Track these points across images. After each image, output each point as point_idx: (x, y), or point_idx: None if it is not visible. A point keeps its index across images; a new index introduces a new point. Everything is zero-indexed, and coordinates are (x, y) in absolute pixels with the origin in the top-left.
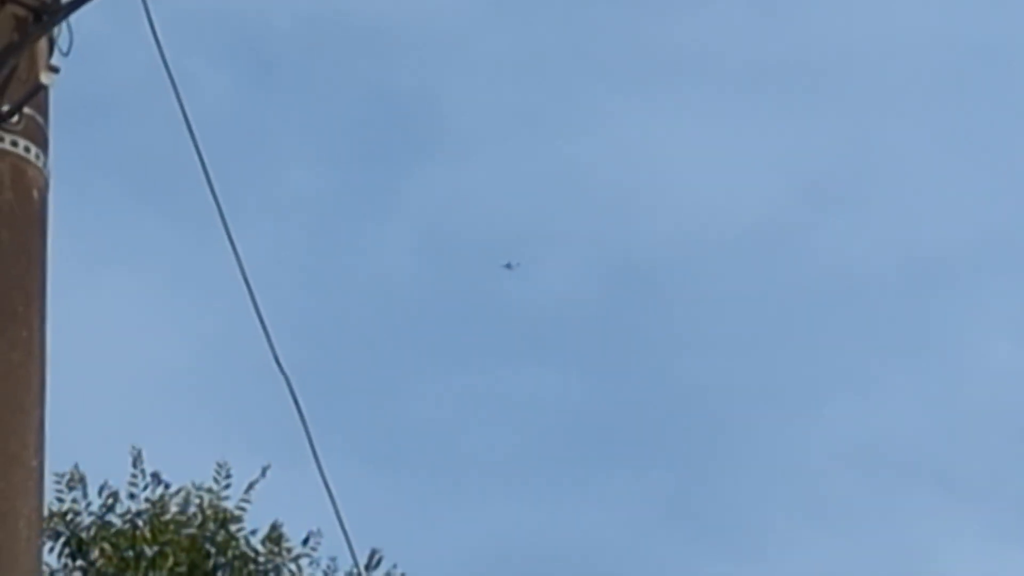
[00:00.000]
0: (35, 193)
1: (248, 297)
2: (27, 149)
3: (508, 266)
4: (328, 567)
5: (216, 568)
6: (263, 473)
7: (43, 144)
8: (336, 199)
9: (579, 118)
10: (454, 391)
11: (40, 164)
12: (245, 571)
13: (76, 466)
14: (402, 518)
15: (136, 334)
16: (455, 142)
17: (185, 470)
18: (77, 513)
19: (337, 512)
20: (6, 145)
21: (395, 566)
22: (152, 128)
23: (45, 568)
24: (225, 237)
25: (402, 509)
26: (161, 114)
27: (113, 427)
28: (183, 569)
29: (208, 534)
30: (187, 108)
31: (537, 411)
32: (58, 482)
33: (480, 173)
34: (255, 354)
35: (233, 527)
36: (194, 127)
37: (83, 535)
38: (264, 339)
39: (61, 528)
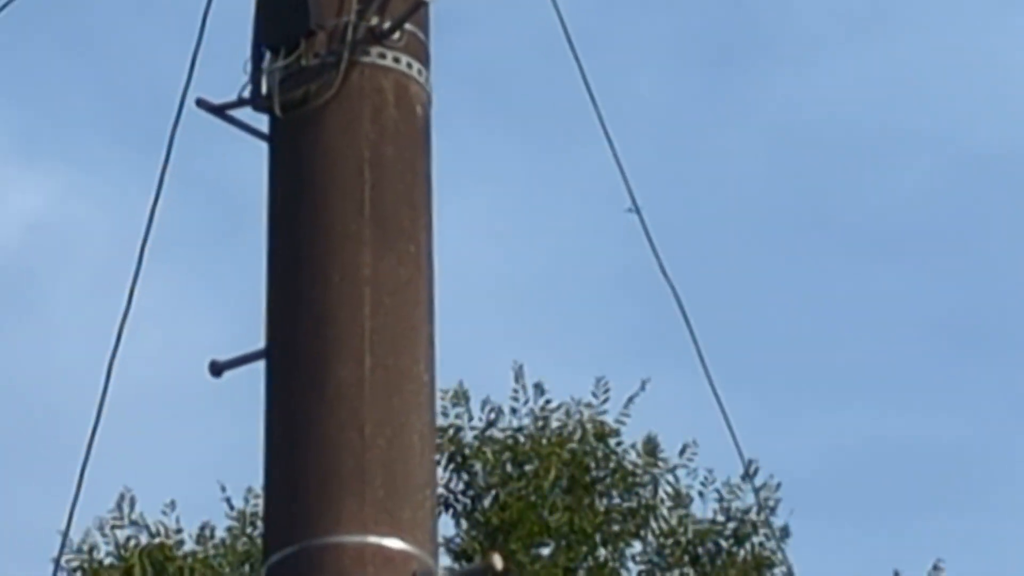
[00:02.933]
0: (418, 109)
1: (631, 208)
2: (409, 65)
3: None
4: (705, 478)
5: (595, 482)
6: (642, 387)
7: (425, 60)
8: (685, 104)
9: (925, 15)
10: (812, 296)
11: (422, 80)
12: (623, 484)
13: (460, 383)
14: (770, 428)
15: (514, 247)
16: (802, 44)
17: (565, 384)
18: (460, 429)
19: (727, 419)
20: (388, 62)
21: (771, 476)
22: (508, 43)
23: None
24: (601, 150)
25: (769, 419)
26: (519, 28)
27: (494, 343)
28: (564, 483)
29: (588, 448)
30: (555, 20)
31: (898, 313)
32: (442, 398)
33: (826, 74)
34: (621, 264)
35: (612, 441)
36: (558, 39)
37: (466, 450)
38: (640, 248)
39: (445, 443)
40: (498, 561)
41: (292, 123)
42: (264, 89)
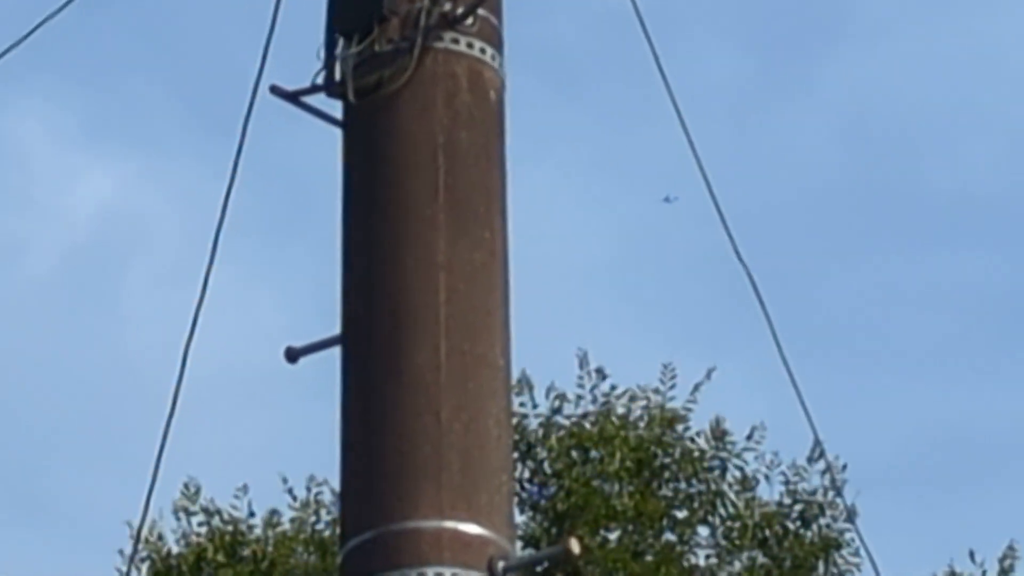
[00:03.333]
0: (492, 94)
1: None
2: (483, 51)
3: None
4: (771, 461)
5: (662, 467)
6: (708, 375)
7: (498, 45)
8: (753, 86)
9: None
10: (880, 278)
11: (496, 65)
12: (690, 469)
13: (523, 370)
14: (838, 409)
15: (579, 231)
16: (868, 24)
17: (630, 370)
18: (525, 416)
19: (802, 400)
20: (462, 47)
21: (836, 457)
22: (580, 25)
23: None
24: (671, 132)
25: (836, 400)
26: (590, 11)
27: (557, 329)
28: (629, 467)
29: (654, 435)
30: (626, 1)
31: (965, 296)
32: None
33: (894, 55)
34: (686, 248)
35: (678, 427)
36: (629, 21)
37: (531, 437)
38: (706, 232)
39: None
40: (575, 545)
41: (366, 109)
42: (338, 75)
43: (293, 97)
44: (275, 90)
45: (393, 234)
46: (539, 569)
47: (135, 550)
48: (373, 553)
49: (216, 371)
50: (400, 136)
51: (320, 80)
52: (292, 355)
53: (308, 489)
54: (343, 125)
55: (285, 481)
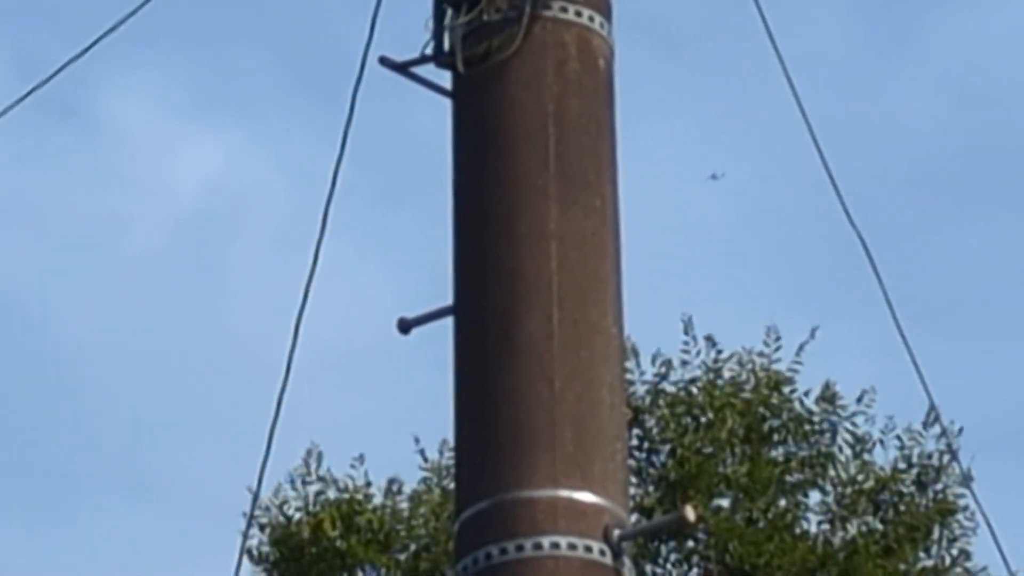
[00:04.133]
0: (601, 62)
1: (813, 156)
2: (591, 19)
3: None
4: (885, 425)
5: (772, 431)
6: (812, 334)
7: (606, 13)
8: (862, 49)
9: None
10: (992, 240)
11: (604, 33)
12: (800, 432)
13: (628, 337)
14: (951, 373)
15: (684, 197)
16: None
17: (735, 334)
18: (631, 383)
19: (915, 363)
20: (570, 15)
21: (952, 422)
22: None
23: None
24: (781, 98)
25: (949, 363)
26: None
27: (662, 295)
28: (739, 433)
29: (762, 398)
30: None
31: None
32: None
33: (1002, 14)
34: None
35: (786, 389)
36: None
37: (638, 404)
38: (812, 195)
39: None
40: (690, 513)
41: (475, 79)
42: (447, 46)
43: (402, 68)
44: (384, 61)
45: (504, 204)
46: (649, 537)
47: (251, 514)
48: (488, 523)
49: (327, 342)
50: (510, 106)
51: (429, 51)
52: (404, 326)
53: (441, 453)
54: (452, 95)
55: (417, 442)
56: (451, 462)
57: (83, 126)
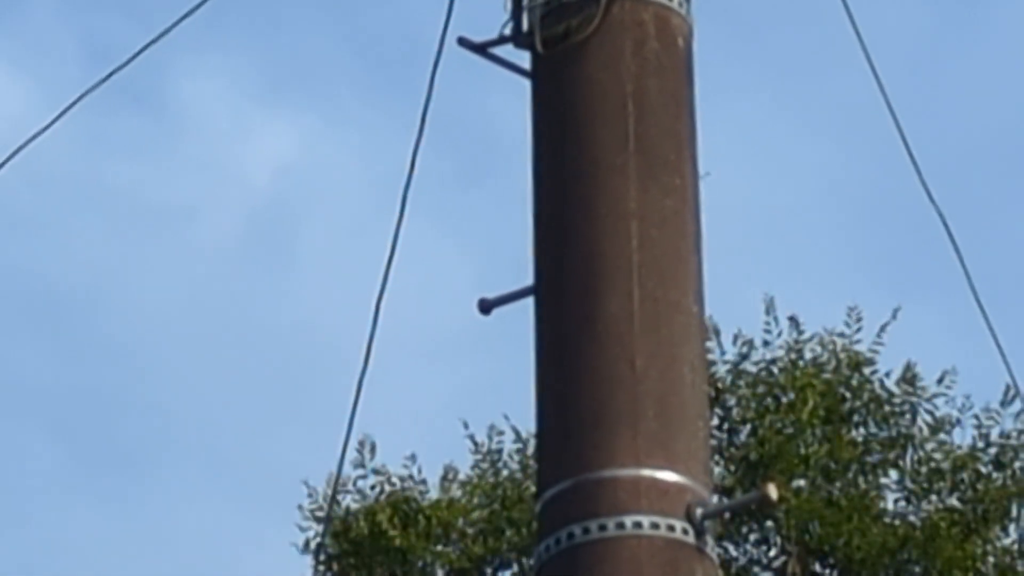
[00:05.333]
0: (680, 41)
1: (892, 135)
2: None
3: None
4: (963, 405)
5: (852, 412)
6: (894, 315)
7: None
8: (938, 28)
9: None
10: None
11: (683, 12)
12: (880, 413)
13: (710, 316)
14: None
15: (763, 177)
16: None
17: (817, 315)
18: (712, 363)
19: (997, 341)
20: None
21: None
22: None
23: None
24: (858, 78)
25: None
26: None
27: (743, 275)
28: (820, 413)
29: (842, 378)
30: None
31: None
32: None
33: None
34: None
35: (866, 370)
36: None
37: (720, 384)
38: (892, 175)
39: None
40: (773, 491)
41: (554, 59)
42: (525, 26)
43: (481, 48)
44: (463, 42)
45: (584, 183)
46: (729, 517)
47: (333, 498)
48: (570, 502)
49: (405, 325)
50: (589, 85)
51: (507, 31)
52: (485, 307)
53: (489, 438)
54: (531, 76)
55: (466, 427)
56: (500, 446)
57: (156, 111)
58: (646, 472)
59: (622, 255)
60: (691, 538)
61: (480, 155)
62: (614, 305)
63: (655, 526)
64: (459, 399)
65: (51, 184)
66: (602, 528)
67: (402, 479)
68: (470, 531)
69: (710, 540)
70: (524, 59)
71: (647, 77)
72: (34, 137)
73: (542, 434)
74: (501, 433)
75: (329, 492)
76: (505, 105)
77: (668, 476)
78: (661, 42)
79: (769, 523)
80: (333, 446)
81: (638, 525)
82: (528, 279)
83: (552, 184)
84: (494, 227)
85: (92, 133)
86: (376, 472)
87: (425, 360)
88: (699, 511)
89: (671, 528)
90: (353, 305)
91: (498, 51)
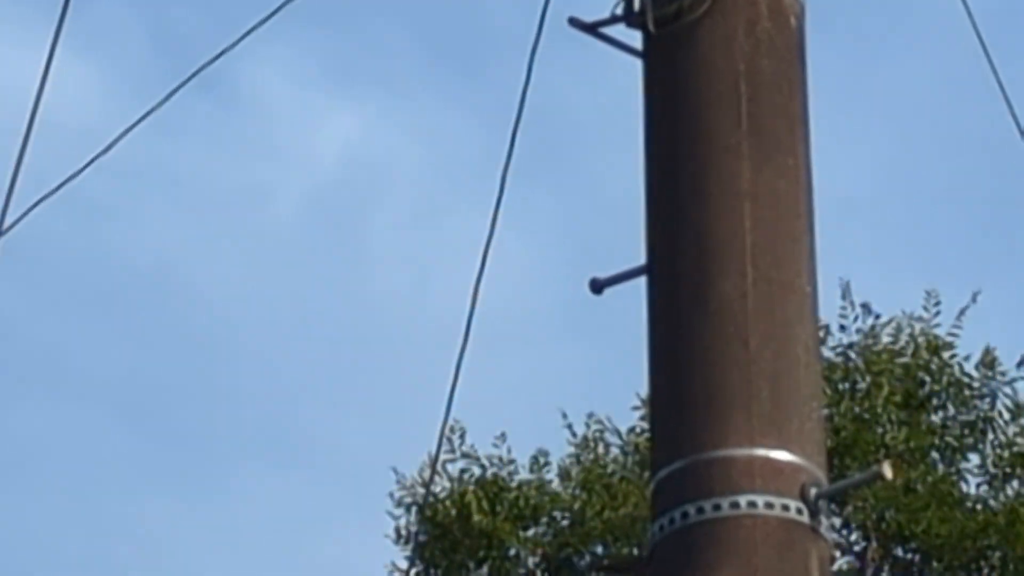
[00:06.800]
0: (792, 21)
1: (995, 115)
2: None
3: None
4: None
5: (930, 396)
6: (973, 299)
7: None
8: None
9: None
10: None
11: None
12: (959, 397)
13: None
14: None
15: (840, 160)
16: None
17: (893, 300)
18: None
19: None
20: None
21: None
22: None
23: None
24: (970, 49)
25: None
26: None
27: (819, 259)
28: (898, 398)
29: (921, 362)
30: None
31: None
32: None
33: None
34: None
35: (945, 354)
36: None
37: None
38: (968, 157)
39: None
40: (888, 469)
41: (666, 39)
42: (637, 5)
43: (592, 28)
44: (573, 22)
45: (697, 163)
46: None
47: (429, 485)
48: (684, 482)
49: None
50: (701, 65)
51: (619, 11)
52: (597, 286)
53: (587, 425)
54: (642, 56)
55: (564, 416)
56: (597, 435)
57: (225, 97)
58: (760, 452)
59: (735, 235)
60: (805, 518)
61: (583, 134)
62: (727, 285)
63: (769, 506)
64: (551, 383)
65: (123, 169)
66: (716, 508)
67: (491, 461)
68: (560, 517)
69: (824, 520)
70: (635, 39)
71: (760, 57)
72: (124, 134)
73: (656, 414)
74: (598, 420)
75: (418, 478)
76: (609, 84)
77: (782, 456)
78: (774, 22)
79: (849, 508)
80: (413, 431)
81: (752, 505)
82: (602, 264)
83: (664, 164)
84: (562, 216)
85: (162, 118)
86: (466, 455)
87: (511, 343)
88: (813, 491)
89: (785, 508)
90: (423, 288)
91: (609, 30)
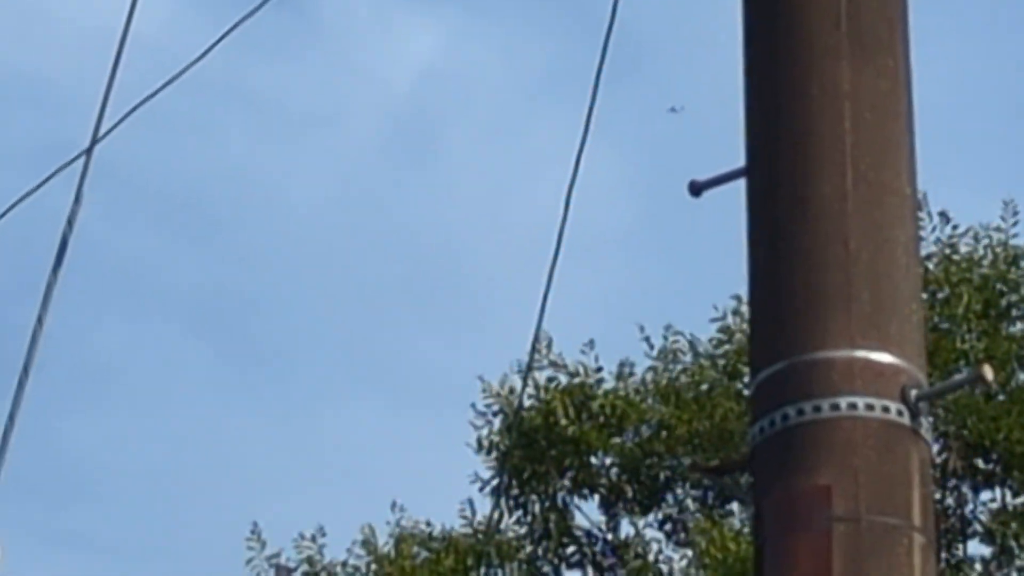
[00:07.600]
0: None
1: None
2: None
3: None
4: None
5: (1010, 306)
6: None
7: None
8: None
9: None
10: None
11: None
12: None
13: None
14: None
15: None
16: None
17: (971, 210)
18: None
19: None
20: None
21: None
22: None
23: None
24: None
25: None
26: None
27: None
28: (977, 307)
29: (1000, 273)
30: None
31: None
32: None
33: None
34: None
35: (1023, 264)
36: None
37: None
38: None
39: None
40: (988, 372)
41: None
42: None
43: None
44: None
45: (796, 64)
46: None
47: (521, 402)
48: (784, 384)
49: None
50: None
51: None
52: (696, 188)
53: (665, 338)
54: None
55: (642, 330)
56: (675, 346)
57: (300, 15)
58: (860, 353)
59: (835, 136)
60: (906, 419)
61: (680, 37)
62: (827, 186)
63: (870, 407)
64: (633, 295)
65: (197, 87)
66: (816, 409)
67: (576, 370)
68: (644, 429)
69: (925, 422)
70: None
71: None
72: (207, 52)
73: (755, 316)
74: (677, 332)
75: (501, 390)
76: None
77: (882, 357)
78: None
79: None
80: (494, 342)
81: (852, 406)
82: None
83: (764, 65)
84: (647, 128)
85: (237, 37)
86: (553, 363)
87: (593, 255)
88: (914, 392)
89: (886, 409)
90: (499, 206)
91: None
